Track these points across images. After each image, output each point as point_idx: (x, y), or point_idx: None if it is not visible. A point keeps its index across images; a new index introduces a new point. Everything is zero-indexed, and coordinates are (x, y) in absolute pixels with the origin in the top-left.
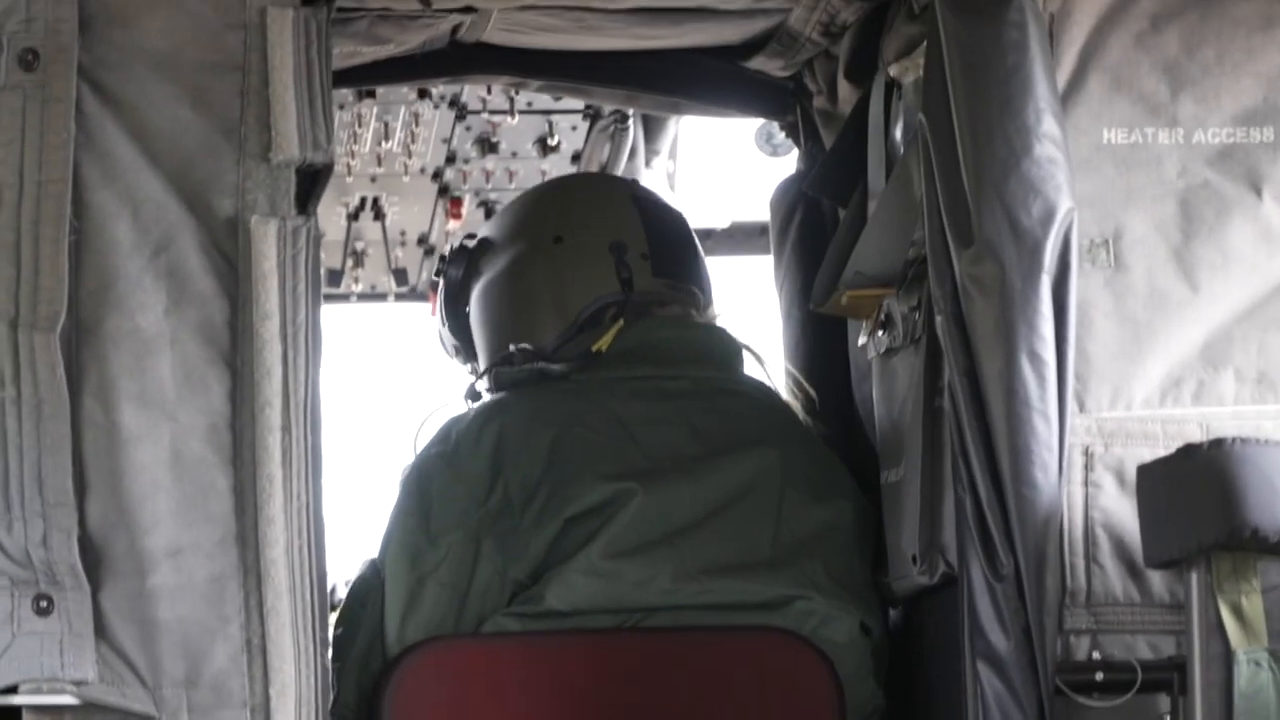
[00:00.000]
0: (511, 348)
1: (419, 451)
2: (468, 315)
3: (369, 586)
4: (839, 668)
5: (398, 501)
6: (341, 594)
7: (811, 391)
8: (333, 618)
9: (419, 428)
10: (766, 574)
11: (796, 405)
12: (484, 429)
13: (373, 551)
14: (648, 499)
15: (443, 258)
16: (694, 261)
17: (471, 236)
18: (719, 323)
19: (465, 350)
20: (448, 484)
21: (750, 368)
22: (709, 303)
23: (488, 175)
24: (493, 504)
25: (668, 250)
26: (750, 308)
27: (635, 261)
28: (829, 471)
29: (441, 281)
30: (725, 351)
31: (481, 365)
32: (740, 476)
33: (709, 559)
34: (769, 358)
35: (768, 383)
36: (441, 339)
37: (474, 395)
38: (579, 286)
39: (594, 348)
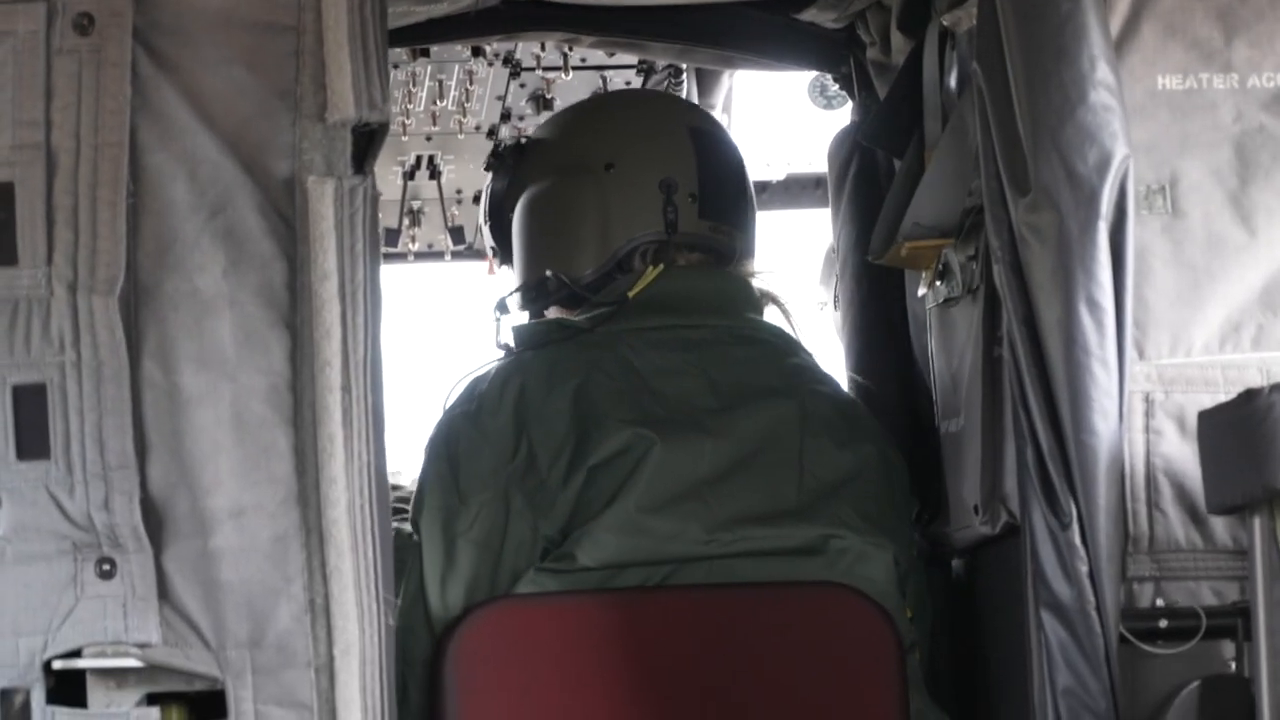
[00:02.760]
0: (548, 274)
1: (444, 413)
2: (510, 221)
3: (401, 552)
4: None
5: (425, 464)
6: None
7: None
8: None
9: (449, 391)
10: (797, 520)
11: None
12: (505, 387)
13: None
14: (667, 451)
15: (496, 152)
16: (742, 204)
17: (522, 141)
18: (755, 274)
19: (504, 254)
20: (474, 444)
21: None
22: (748, 250)
23: None
24: (519, 461)
25: (717, 191)
26: (806, 261)
27: (683, 201)
28: (851, 419)
29: (488, 183)
30: (746, 301)
31: (517, 279)
32: (758, 428)
33: (737, 509)
34: (794, 308)
35: (791, 332)
36: (483, 236)
37: (503, 308)
38: (623, 221)
39: (630, 294)
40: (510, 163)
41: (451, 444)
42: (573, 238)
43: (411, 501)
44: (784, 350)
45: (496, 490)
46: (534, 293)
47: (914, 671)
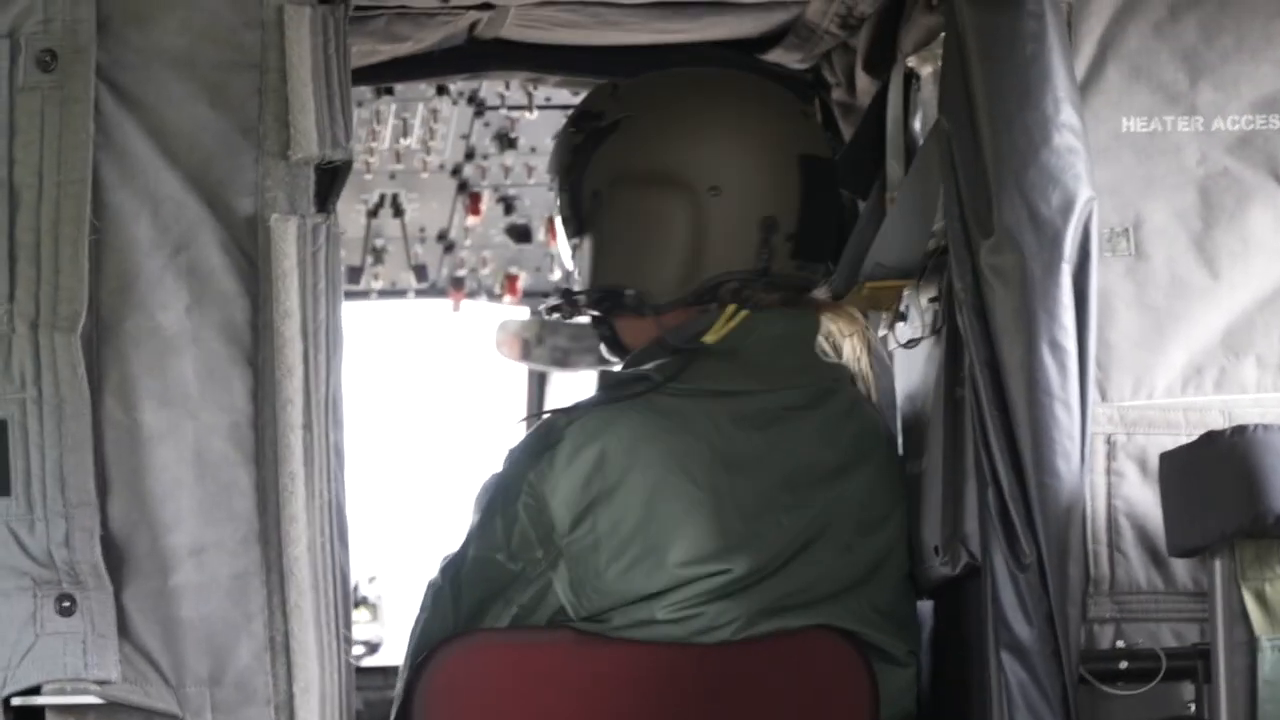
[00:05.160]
0: (629, 291)
1: (511, 456)
2: (587, 192)
3: (444, 606)
4: (881, 685)
5: (486, 503)
6: (364, 591)
7: (873, 387)
8: (355, 615)
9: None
10: (826, 609)
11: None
12: (584, 449)
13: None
14: (734, 579)
15: (584, 114)
16: (835, 239)
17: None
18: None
19: (572, 228)
20: (537, 498)
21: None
22: (831, 277)
23: (506, 171)
24: (579, 535)
25: (816, 231)
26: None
27: (779, 242)
28: (894, 478)
29: (567, 137)
30: (815, 340)
31: (585, 275)
32: (821, 519)
33: (777, 599)
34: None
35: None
36: (559, 206)
37: (561, 305)
38: (716, 252)
39: (705, 339)
40: (603, 126)
41: (512, 492)
42: (661, 256)
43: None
44: (847, 406)
45: (547, 555)
46: (607, 301)
47: None
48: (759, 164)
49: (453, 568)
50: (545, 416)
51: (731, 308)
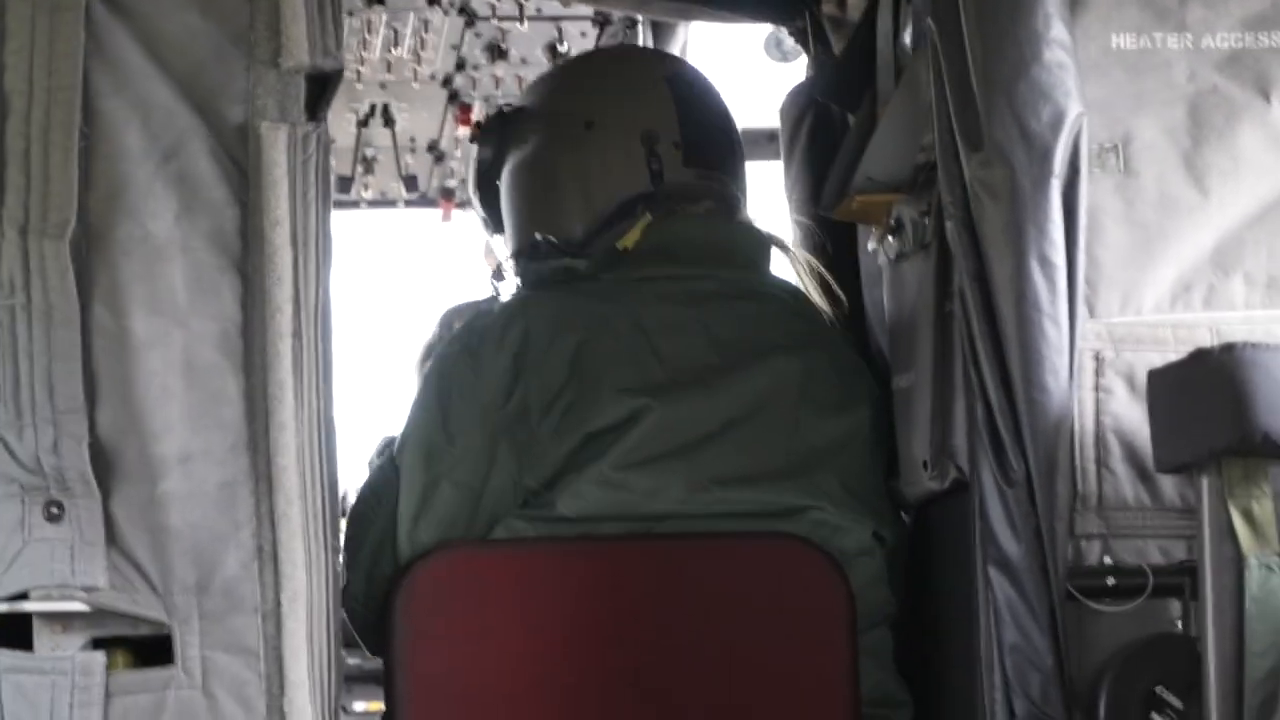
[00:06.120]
0: (538, 237)
1: (442, 344)
2: (498, 190)
3: (388, 483)
4: (851, 576)
5: (417, 396)
6: (353, 500)
7: (840, 292)
8: (343, 524)
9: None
10: (780, 484)
11: (825, 305)
12: (508, 329)
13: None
14: (664, 413)
15: (479, 124)
16: (729, 149)
17: (504, 109)
18: (760, 222)
19: (495, 224)
20: (468, 384)
21: (779, 267)
22: (741, 198)
23: (497, 81)
24: (511, 408)
25: (702, 138)
26: (760, 213)
27: (666, 152)
28: (852, 377)
29: (474, 155)
30: (754, 250)
31: (510, 247)
32: (757, 388)
33: (722, 470)
34: (798, 255)
35: (797, 282)
36: (475, 208)
37: (499, 275)
38: (608, 178)
39: (620, 245)
40: (494, 130)
41: (444, 380)
42: (559, 200)
43: (400, 434)
44: (791, 306)
45: (486, 433)
46: (527, 257)
47: (883, 644)
48: (626, 88)
49: (393, 463)
50: (473, 304)
51: (647, 217)
